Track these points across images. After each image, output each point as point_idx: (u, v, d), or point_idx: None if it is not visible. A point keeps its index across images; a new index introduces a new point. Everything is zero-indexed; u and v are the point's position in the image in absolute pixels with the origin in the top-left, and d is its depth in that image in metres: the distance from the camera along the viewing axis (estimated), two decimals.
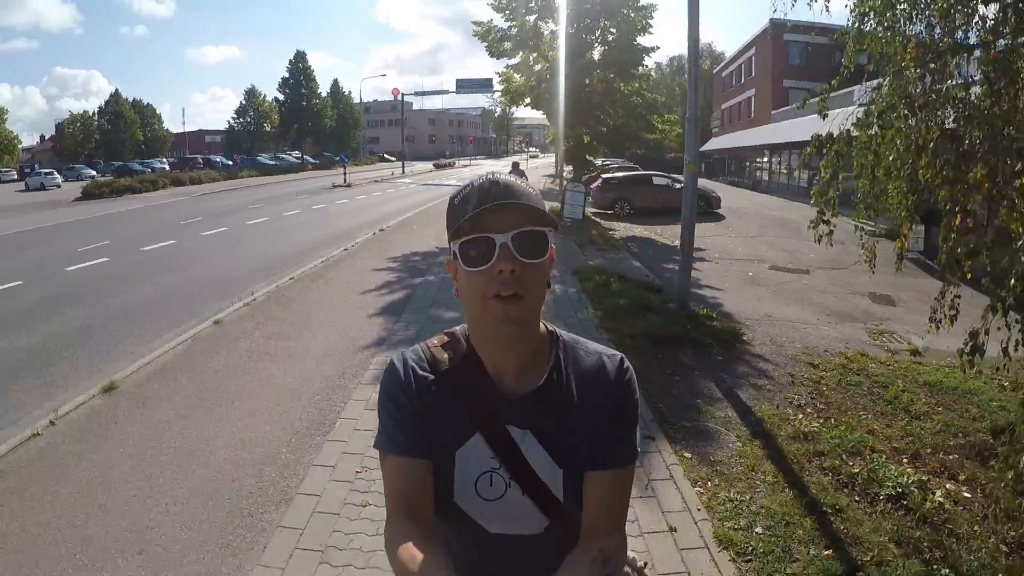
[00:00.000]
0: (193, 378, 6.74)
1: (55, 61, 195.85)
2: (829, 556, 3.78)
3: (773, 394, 6.47)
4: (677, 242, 10.64)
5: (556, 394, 1.35)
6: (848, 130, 5.37)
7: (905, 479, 4.64)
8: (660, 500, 4.30)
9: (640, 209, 23.20)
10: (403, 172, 58.80)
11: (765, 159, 40.58)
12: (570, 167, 27.23)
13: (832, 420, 5.81)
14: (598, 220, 21.79)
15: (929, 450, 5.33)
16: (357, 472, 4.63)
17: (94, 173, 58.03)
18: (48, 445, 5.19)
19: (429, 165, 75.87)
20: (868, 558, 3.79)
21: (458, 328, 1.44)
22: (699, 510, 4.20)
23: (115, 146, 75.21)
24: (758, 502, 4.34)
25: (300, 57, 78.18)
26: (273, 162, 66.73)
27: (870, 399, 6.47)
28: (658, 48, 23.60)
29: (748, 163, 44.99)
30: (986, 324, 3.68)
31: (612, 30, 22.94)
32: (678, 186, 19.18)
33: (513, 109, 29.38)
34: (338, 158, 57.73)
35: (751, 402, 6.21)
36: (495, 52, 24.62)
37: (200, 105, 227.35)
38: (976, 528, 4.19)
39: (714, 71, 60.44)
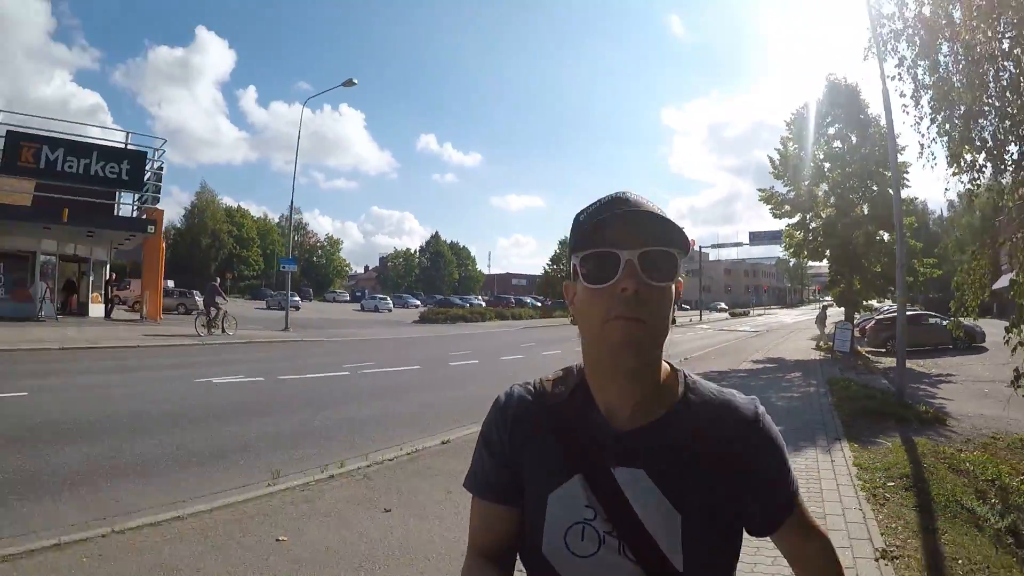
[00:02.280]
0: None
1: (372, 201, 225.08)
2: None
3: (939, 443, 9.60)
4: (934, 370, 13.88)
5: (679, 431, 1.19)
6: None
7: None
8: (832, 456, 8.10)
9: (911, 346, 24.74)
10: (700, 319, 63.13)
11: None
12: (841, 308, 30.28)
13: (975, 456, 9.01)
14: (868, 355, 24.62)
15: None
16: None
17: (418, 303, 68.50)
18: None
19: (725, 314, 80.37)
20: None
21: (575, 363, 1.34)
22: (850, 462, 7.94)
23: (434, 281, 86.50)
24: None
25: None
26: None
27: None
28: (916, 200, 26.52)
29: None
30: None
31: (874, 188, 26.83)
32: (945, 323, 21.53)
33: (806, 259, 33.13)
34: None
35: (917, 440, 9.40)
36: (777, 214, 29.91)
37: (504, 249, 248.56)
38: None
39: None
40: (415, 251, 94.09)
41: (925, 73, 8.79)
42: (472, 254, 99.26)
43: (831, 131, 28.32)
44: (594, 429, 1.21)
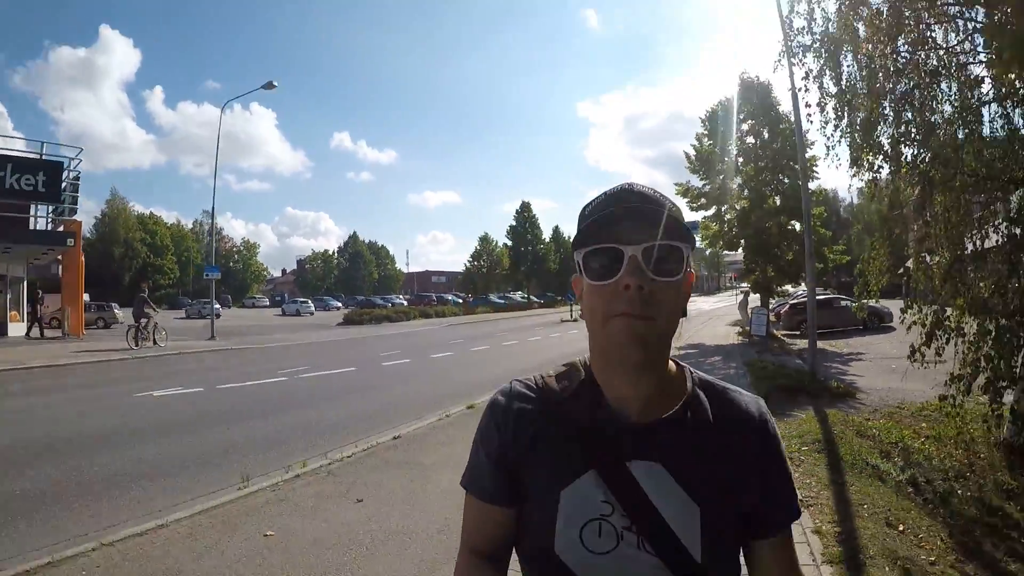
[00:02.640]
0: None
1: (286, 202, 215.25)
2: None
3: (849, 414, 10.52)
4: (845, 349, 14.99)
5: (692, 424, 1.21)
6: None
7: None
8: None
9: (823, 327, 25.78)
10: None
11: None
12: (756, 295, 32.05)
13: (881, 423, 9.97)
14: (783, 338, 26.02)
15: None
16: None
17: (339, 305, 67.76)
18: (391, 445, 10.51)
19: None
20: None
21: (578, 358, 1.34)
22: None
23: (354, 282, 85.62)
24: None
25: (526, 207, 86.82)
26: (502, 300, 73.83)
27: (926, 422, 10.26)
28: (826, 190, 29.51)
29: None
30: None
31: (785, 181, 28.44)
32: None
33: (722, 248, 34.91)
34: (564, 297, 64.36)
35: (829, 412, 10.30)
36: (694, 207, 31.76)
37: (423, 246, 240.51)
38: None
39: None
40: (333, 252, 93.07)
41: (831, 82, 9.59)
42: (391, 253, 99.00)
43: (744, 127, 29.98)
44: (606, 424, 1.20)
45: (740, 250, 32.12)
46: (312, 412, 11.74)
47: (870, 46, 8.55)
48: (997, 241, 8.31)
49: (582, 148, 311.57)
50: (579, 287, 1.23)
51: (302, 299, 67.07)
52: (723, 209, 31.46)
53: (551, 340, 29.43)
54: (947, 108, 8.40)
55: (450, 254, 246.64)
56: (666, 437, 1.19)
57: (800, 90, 10.33)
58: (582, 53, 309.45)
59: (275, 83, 31.48)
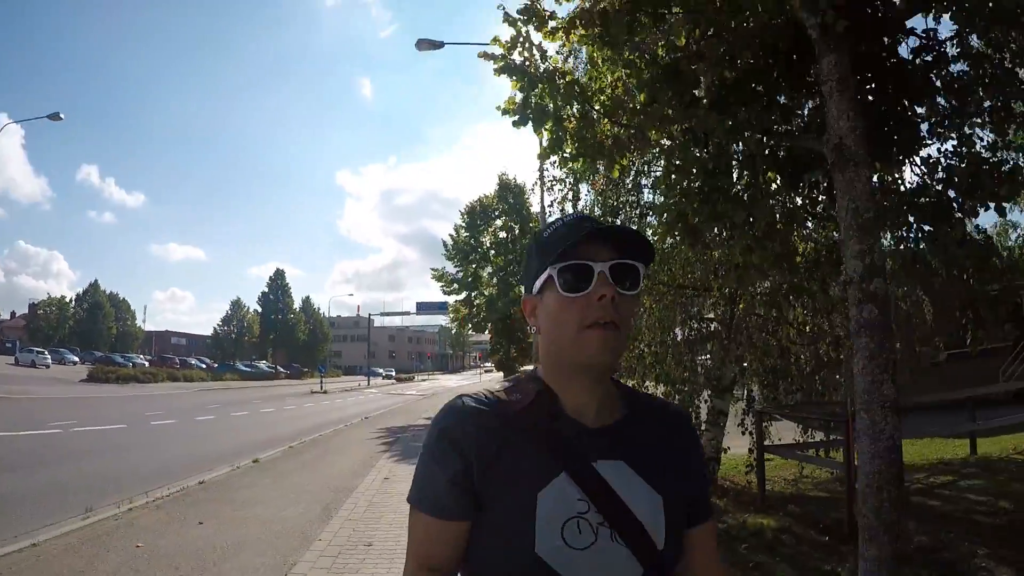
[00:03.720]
0: (287, 462, 13.62)
1: (20, 235, 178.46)
2: None
3: None
4: None
5: (641, 426, 1.33)
6: None
7: None
8: None
9: None
10: (368, 384, 65.68)
11: None
12: (501, 372, 35.99)
13: None
14: None
15: None
16: (385, 479, 11.43)
17: (76, 359, 62.05)
18: (234, 473, 12.04)
19: (392, 380, 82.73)
20: None
21: (522, 373, 1.41)
22: None
23: (90, 335, 79.46)
24: None
25: (279, 274, 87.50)
26: (249, 369, 72.26)
27: None
28: None
29: None
30: None
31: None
32: None
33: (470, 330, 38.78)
34: (318, 370, 64.68)
35: None
36: (447, 291, 35.77)
37: (160, 303, 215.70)
38: None
39: None
40: (70, 300, 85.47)
41: (570, 205, 12.45)
42: (132, 308, 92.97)
43: (499, 223, 34.00)
44: (567, 429, 1.26)
45: (487, 332, 35.87)
46: (109, 462, 12.61)
47: (602, 187, 11.42)
48: (685, 334, 11.24)
49: (336, 217, 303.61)
50: (530, 306, 1.34)
51: (39, 349, 61.01)
52: (472, 295, 34.92)
53: (305, 409, 30.92)
54: None
55: (189, 314, 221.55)
56: (624, 437, 1.29)
57: (549, 205, 13.40)
58: (351, 121, 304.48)
59: (61, 115, 30.45)
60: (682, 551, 1.31)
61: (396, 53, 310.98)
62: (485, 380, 62.93)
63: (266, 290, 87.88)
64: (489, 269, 34.54)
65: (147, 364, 61.05)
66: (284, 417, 26.08)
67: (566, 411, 1.29)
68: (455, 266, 35.92)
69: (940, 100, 5.34)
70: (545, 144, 6.80)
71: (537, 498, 1.19)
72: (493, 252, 34.23)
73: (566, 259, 1.24)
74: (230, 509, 8.70)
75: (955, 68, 5.31)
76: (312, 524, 8.06)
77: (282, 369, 77.72)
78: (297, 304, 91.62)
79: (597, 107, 6.65)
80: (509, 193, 33.94)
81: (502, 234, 34.43)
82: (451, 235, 36.45)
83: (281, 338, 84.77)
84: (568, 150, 6.70)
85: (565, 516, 1.19)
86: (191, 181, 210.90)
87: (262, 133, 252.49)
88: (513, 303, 31.98)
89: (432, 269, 36.58)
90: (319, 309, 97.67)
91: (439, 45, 18.27)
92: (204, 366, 67.25)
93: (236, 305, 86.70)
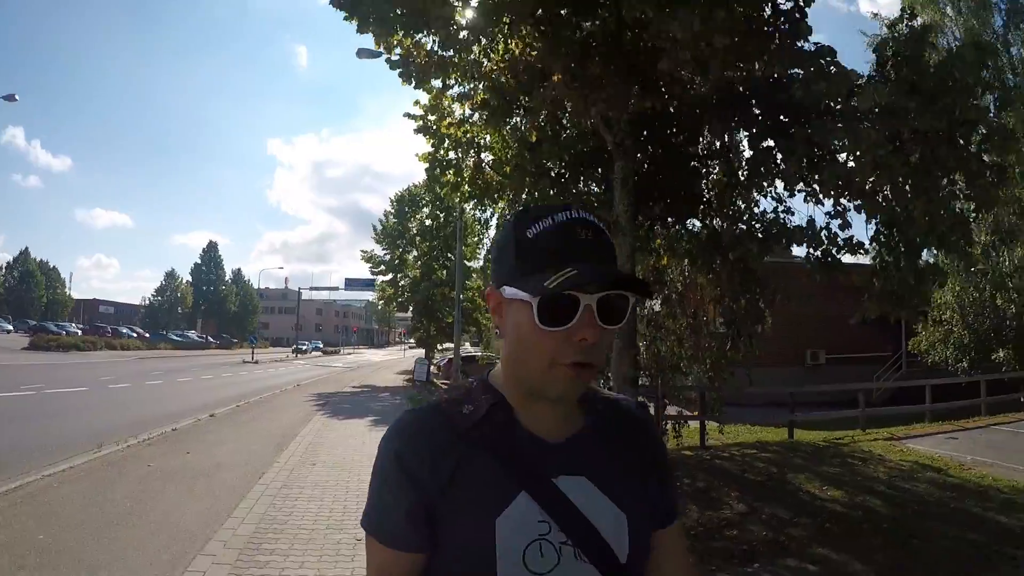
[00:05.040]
0: (238, 416, 16.34)
1: None
2: None
3: None
4: None
5: (603, 436, 1.25)
6: None
7: None
8: None
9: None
10: (296, 356, 67.90)
11: None
12: (422, 349, 39.37)
13: None
14: (441, 384, 32.06)
15: None
16: (321, 427, 14.28)
17: (10, 328, 62.41)
18: (198, 424, 14.74)
19: (319, 352, 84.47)
20: None
21: (471, 380, 1.32)
22: None
23: (23, 304, 79.20)
24: None
25: (212, 247, 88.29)
26: (180, 338, 73.25)
27: None
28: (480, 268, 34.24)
29: None
30: None
31: (451, 258, 34.80)
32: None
33: (395, 309, 41.88)
34: (249, 341, 66.23)
35: None
36: (375, 272, 39.05)
37: (85, 270, 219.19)
38: None
39: None
40: (1, 267, 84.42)
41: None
42: (61, 276, 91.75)
43: (425, 211, 37.12)
44: (526, 444, 1.18)
45: (410, 311, 38.97)
46: (89, 417, 14.95)
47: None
48: None
49: (265, 187, 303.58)
50: (495, 300, 1.22)
51: None
52: (398, 276, 38.09)
53: (242, 376, 33.31)
54: None
55: (115, 282, 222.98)
56: (586, 450, 1.21)
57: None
58: (285, 89, 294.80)
59: (16, 96, 31.20)
60: (646, 565, 1.26)
61: (335, 21, 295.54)
62: (409, 355, 65.87)
63: (199, 261, 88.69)
64: (415, 253, 37.33)
65: (80, 333, 61.48)
66: (224, 383, 28.23)
67: (523, 424, 1.20)
68: (383, 249, 38.77)
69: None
70: (449, 187, 9.99)
71: (496, 524, 1.12)
72: (419, 239, 36.97)
73: (549, 286, 1.05)
74: (204, 446, 11.39)
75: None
76: (270, 452, 10.99)
77: (212, 340, 78.92)
78: (228, 276, 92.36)
79: (487, 160, 9.82)
80: (436, 184, 36.57)
81: (428, 222, 37.32)
82: (380, 220, 39.33)
83: (212, 309, 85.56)
84: (463, 190, 9.84)
85: (526, 540, 1.12)
86: (120, 145, 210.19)
87: (194, 99, 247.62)
88: (435, 286, 35.31)
89: (362, 251, 39.43)
90: (249, 281, 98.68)
91: (378, 55, 21.23)
92: (135, 335, 67.59)
93: (170, 276, 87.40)
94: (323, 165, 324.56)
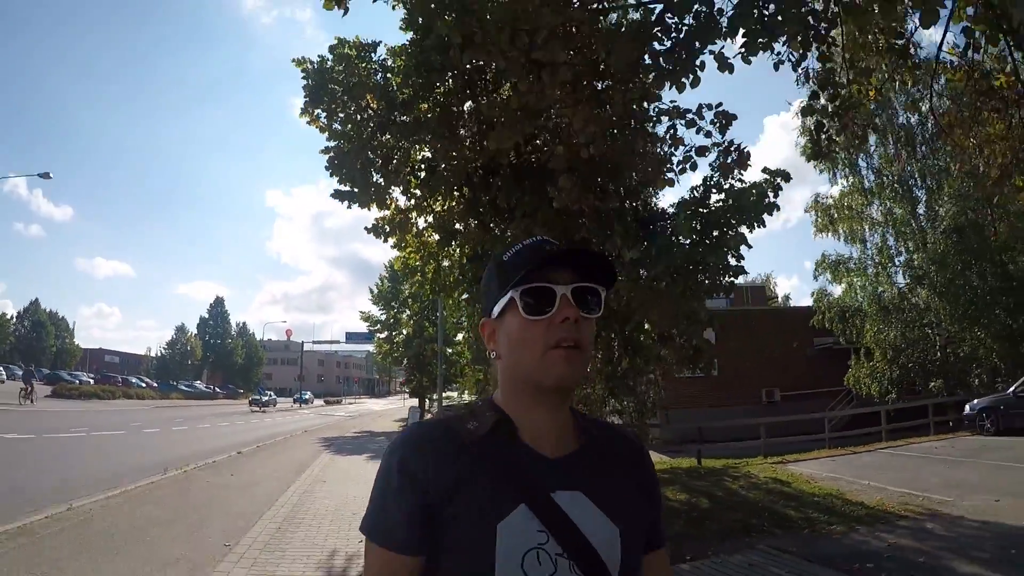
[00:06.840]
0: (261, 453, 19.93)
1: None
2: None
3: None
4: None
5: (600, 456, 1.31)
6: None
7: None
8: None
9: None
10: (300, 405, 70.73)
11: None
12: (416, 398, 42.95)
13: None
14: None
15: None
16: (329, 461, 17.82)
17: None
18: (236, 457, 18.39)
19: (320, 401, 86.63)
20: None
21: (474, 401, 1.40)
22: None
23: (34, 352, 79.52)
24: None
25: (219, 302, 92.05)
26: (190, 389, 75.58)
27: None
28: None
29: None
30: None
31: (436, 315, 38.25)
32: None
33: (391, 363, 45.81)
34: (258, 391, 67.04)
35: None
36: (372, 331, 43.04)
37: (86, 319, 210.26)
38: None
39: None
40: (11, 317, 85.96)
41: None
42: (70, 326, 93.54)
43: (417, 277, 40.85)
44: (526, 459, 1.24)
45: (403, 365, 43.09)
46: (138, 454, 18.25)
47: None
48: None
49: (265, 238, 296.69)
50: (488, 330, 1.33)
51: None
52: (393, 334, 42.26)
53: (253, 423, 36.39)
54: None
55: (116, 331, 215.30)
56: (582, 467, 1.27)
57: None
58: (284, 139, 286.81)
59: (51, 174, 34.90)
60: None
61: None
62: (408, 404, 68.46)
63: (206, 315, 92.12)
64: (408, 312, 41.13)
65: (92, 382, 61.73)
66: (239, 429, 31.16)
67: (524, 440, 1.27)
68: (379, 310, 43.17)
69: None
70: (415, 287, 13.79)
71: (497, 529, 1.17)
72: (411, 300, 40.51)
73: (528, 281, 1.23)
74: (242, 471, 14.95)
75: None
76: (292, 474, 14.57)
77: (219, 390, 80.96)
78: (233, 329, 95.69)
79: (447, 263, 13.51)
80: (407, 282, 40.07)
81: (417, 287, 41.17)
82: (376, 284, 43.76)
83: (219, 361, 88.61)
84: (426, 288, 13.64)
85: (525, 547, 1.16)
86: (121, 195, 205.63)
87: (194, 151, 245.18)
88: (426, 342, 38.99)
89: (360, 311, 44.07)
90: (253, 334, 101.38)
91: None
92: (144, 385, 68.67)
93: (180, 330, 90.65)
94: (322, 216, 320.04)
